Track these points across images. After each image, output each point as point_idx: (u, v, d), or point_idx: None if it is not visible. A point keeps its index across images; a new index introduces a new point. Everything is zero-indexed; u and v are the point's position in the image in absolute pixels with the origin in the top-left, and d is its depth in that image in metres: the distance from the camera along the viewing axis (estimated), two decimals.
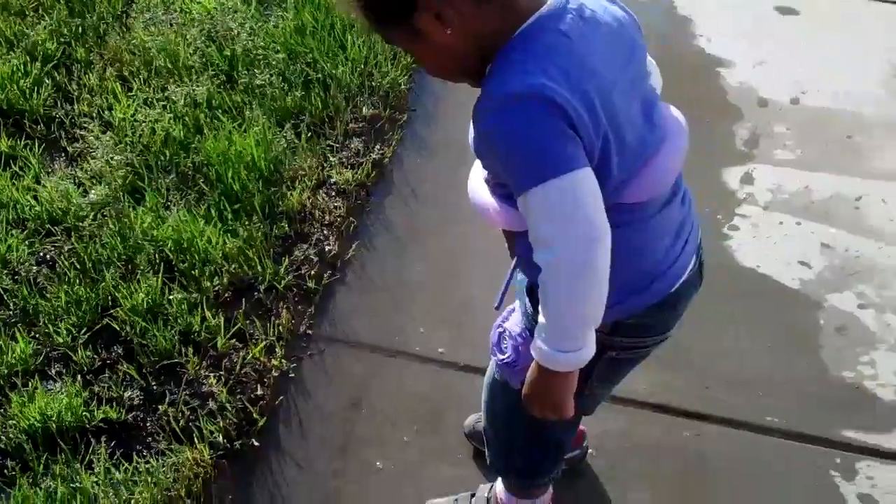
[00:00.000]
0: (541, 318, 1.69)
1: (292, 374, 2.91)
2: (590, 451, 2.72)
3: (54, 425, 2.65)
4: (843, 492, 2.71)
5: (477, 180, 1.87)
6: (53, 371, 2.83)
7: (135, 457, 2.63)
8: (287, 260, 3.15)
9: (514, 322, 2.05)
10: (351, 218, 3.35)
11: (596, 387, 2.01)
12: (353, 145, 3.59)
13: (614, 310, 1.73)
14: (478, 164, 1.85)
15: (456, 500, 2.61)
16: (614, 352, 1.91)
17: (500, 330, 2.08)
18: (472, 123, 1.69)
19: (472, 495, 2.60)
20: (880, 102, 4.01)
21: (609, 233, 1.59)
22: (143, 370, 2.83)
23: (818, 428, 2.85)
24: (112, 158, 3.37)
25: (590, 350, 1.69)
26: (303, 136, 3.54)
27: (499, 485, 2.51)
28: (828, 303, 3.20)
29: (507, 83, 1.59)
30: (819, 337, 3.10)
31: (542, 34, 1.62)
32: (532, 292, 1.92)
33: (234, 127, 3.48)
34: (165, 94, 3.67)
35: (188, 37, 3.91)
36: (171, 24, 3.99)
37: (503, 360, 2.05)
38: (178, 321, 2.92)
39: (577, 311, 1.65)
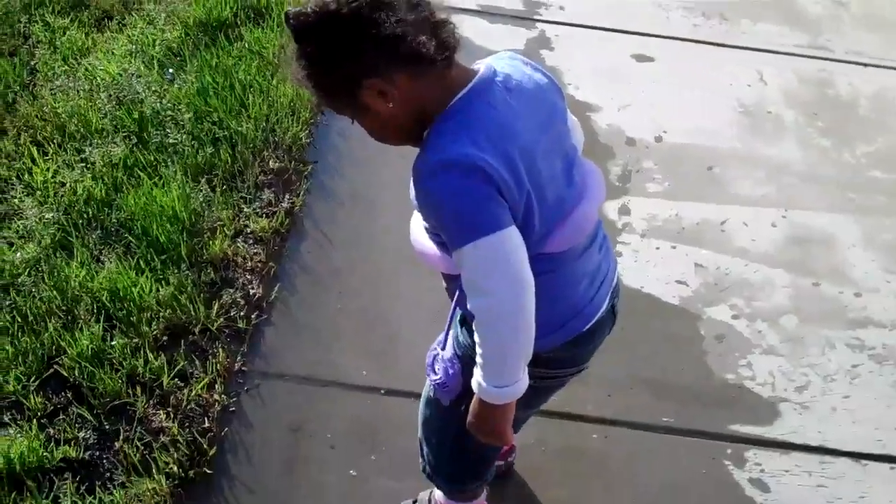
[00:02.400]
0: (478, 358, 1.93)
1: (233, 408, 3.12)
2: (514, 456, 3.01)
3: (17, 466, 2.81)
4: (736, 478, 3.08)
5: (418, 229, 2.11)
6: (7, 418, 2.99)
7: (97, 490, 2.82)
8: (217, 304, 3.37)
9: (446, 347, 2.28)
10: (271, 263, 3.59)
11: (519, 412, 2.18)
12: (264, 196, 3.83)
13: (534, 345, 1.94)
14: (417, 213, 2.09)
15: None
16: (533, 381, 2.06)
17: (435, 353, 2.29)
18: (412, 181, 1.91)
19: (414, 501, 2.86)
20: (732, 136, 4.49)
21: (532, 283, 1.84)
22: (95, 411, 3.01)
23: (708, 424, 3.22)
24: (42, 217, 3.54)
25: (523, 383, 1.93)
26: (217, 189, 3.78)
27: (436, 490, 2.78)
28: (706, 315, 3.59)
29: (441, 150, 1.83)
30: (702, 345, 3.48)
31: (472, 107, 1.88)
32: (464, 321, 2.17)
33: (152, 184, 3.70)
34: (82, 156, 3.86)
35: (97, 101, 4.11)
36: (78, 91, 4.17)
37: (435, 380, 2.26)
38: (123, 364, 3.11)
39: (508, 351, 1.89)
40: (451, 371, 2.22)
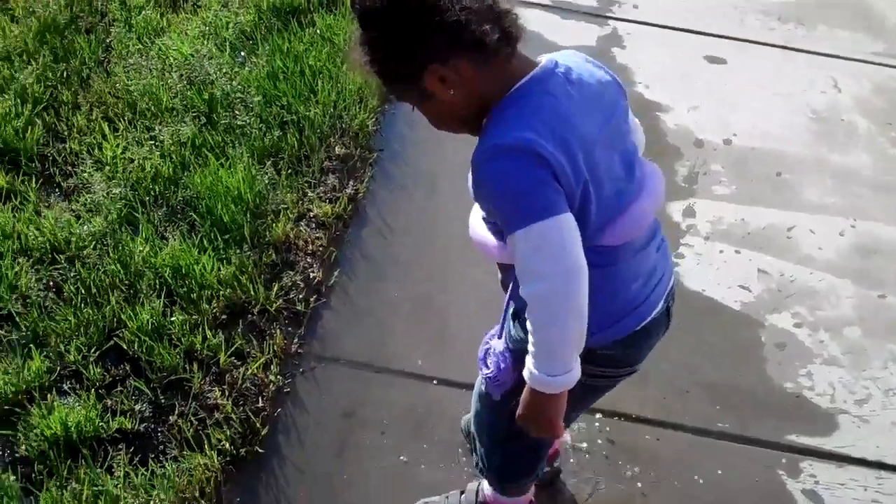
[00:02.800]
0: (530, 346, 1.91)
1: (287, 389, 3.14)
2: (559, 462, 3.00)
3: (74, 434, 2.86)
4: (790, 489, 3.03)
5: (476, 219, 2.11)
6: (67, 386, 3.04)
7: (150, 463, 2.85)
8: (276, 285, 3.39)
9: (498, 341, 2.27)
10: (332, 248, 3.61)
11: (569, 410, 2.16)
12: (328, 181, 3.86)
13: (588, 339, 1.92)
14: (477, 205, 2.09)
15: (447, 497, 2.86)
16: (585, 378, 2.04)
17: (487, 347, 2.28)
18: (470, 171, 1.92)
19: (462, 493, 2.86)
20: (803, 142, 4.42)
21: (586, 269, 1.82)
22: (152, 385, 3.05)
23: (765, 432, 3.17)
24: (109, 192, 3.60)
25: (576, 373, 1.91)
26: (282, 172, 3.81)
27: (485, 483, 2.77)
28: (768, 322, 3.54)
29: (499, 136, 1.83)
30: (762, 352, 3.43)
31: (531, 94, 1.88)
32: (517, 315, 2.17)
33: (219, 164, 3.73)
34: (151, 133, 3.91)
35: (168, 81, 4.16)
36: (151, 70, 4.22)
37: (486, 374, 2.26)
38: (182, 340, 3.15)
39: (561, 338, 1.87)
40: (502, 365, 2.22)
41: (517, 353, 2.12)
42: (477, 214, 2.11)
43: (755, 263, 3.77)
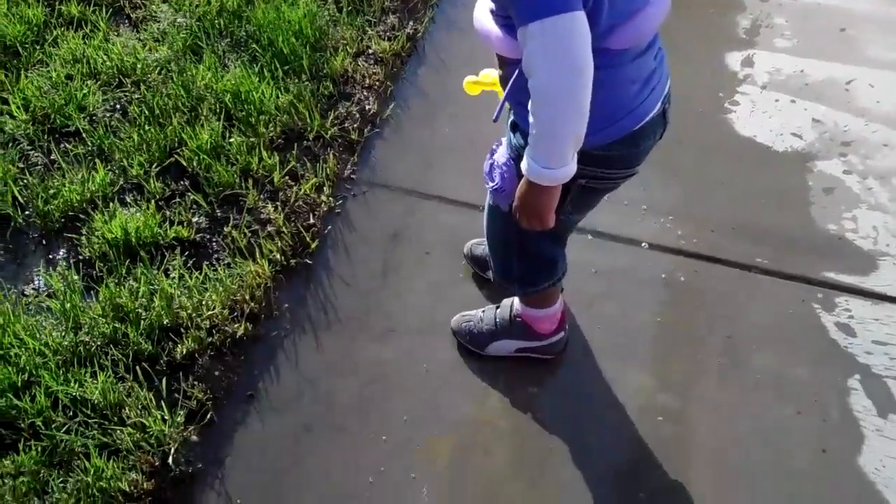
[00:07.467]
0: (530, 139, 1.98)
1: (338, 210, 3.27)
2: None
3: (133, 239, 3.03)
4: (823, 321, 3.07)
5: (482, 10, 2.14)
6: (129, 198, 3.20)
7: (204, 268, 3.02)
8: (332, 114, 3.50)
9: (500, 153, 2.35)
10: (388, 83, 3.70)
11: (570, 211, 2.30)
12: (388, 21, 3.93)
13: (587, 140, 1.99)
14: None
15: (483, 311, 2.98)
16: (584, 180, 2.15)
17: (491, 161, 2.37)
18: None
19: (497, 307, 2.98)
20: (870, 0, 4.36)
21: (592, 67, 1.86)
22: (209, 199, 3.20)
23: (803, 269, 3.21)
24: (175, 22, 3.72)
25: (571, 168, 1.98)
26: (343, 10, 3.89)
27: (517, 299, 2.89)
28: (817, 168, 3.55)
29: None
30: (808, 195, 3.45)
31: None
32: (515, 127, 2.25)
33: (282, 0, 3.83)
34: None
35: None
36: None
37: (492, 186, 2.36)
38: (238, 159, 3.28)
39: (560, 131, 1.93)
40: (506, 175, 2.30)
41: (519, 161, 2.20)
42: (484, 6, 2.14)
43: (809, 113, 3.76)
